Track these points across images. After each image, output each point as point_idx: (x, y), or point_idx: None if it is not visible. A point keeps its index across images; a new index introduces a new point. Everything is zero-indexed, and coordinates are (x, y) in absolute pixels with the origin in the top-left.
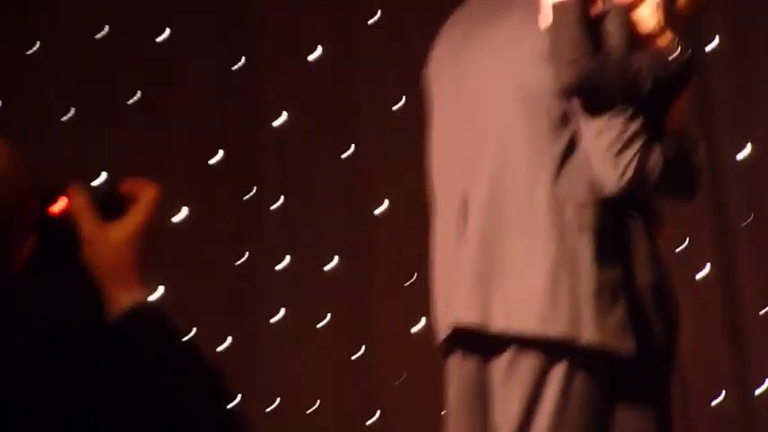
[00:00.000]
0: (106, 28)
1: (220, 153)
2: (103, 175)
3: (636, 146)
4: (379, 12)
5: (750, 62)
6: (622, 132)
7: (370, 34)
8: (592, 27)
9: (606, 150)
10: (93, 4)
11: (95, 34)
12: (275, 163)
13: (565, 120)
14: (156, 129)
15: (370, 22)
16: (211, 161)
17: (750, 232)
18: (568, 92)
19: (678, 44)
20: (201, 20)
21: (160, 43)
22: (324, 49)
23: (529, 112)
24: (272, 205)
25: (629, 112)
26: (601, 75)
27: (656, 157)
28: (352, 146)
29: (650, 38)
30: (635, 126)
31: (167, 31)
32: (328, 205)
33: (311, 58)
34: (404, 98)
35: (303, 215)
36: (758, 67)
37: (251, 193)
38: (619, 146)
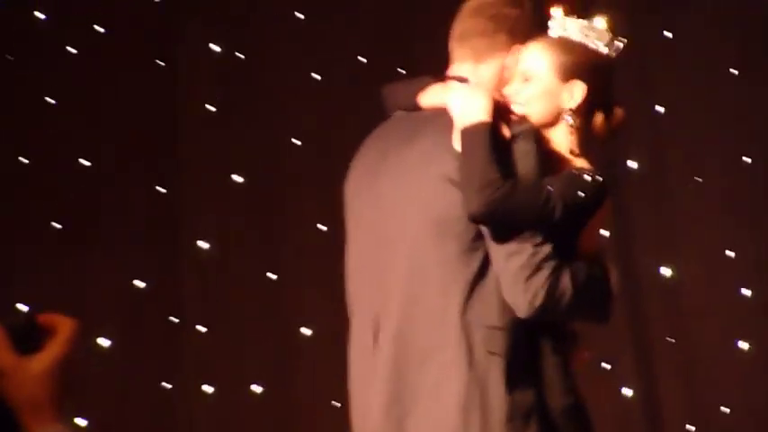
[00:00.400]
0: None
1: (143, 278)
2: (21, 307)
3: (546, 270)
4: (303, 135)
5: (667, 181)
6: (532, 256)
7: (294, 155)
8: (503, 150)
9: (516, 275)
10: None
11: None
12: (198, 288)
13: (476, 243)
14: (79, 255)
15: (295, 141)
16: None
17: (670, 349)
18: (477, 219)
19: (591, 170)
20: (126, 145)
21: (85, 168)
22: (246, 173)
23: (439, 236)
24: (194, 330)
25: (539, 236)
26: (510, 203)
27: (566, 282)
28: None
29: (563, 159)
30: (545, 250)
31: (89, 158)
32: (251, 329)
33: (235, 178)
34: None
35: (226, 340)
36: (675, 186)
37: (174, 319)
38: (528, 271)
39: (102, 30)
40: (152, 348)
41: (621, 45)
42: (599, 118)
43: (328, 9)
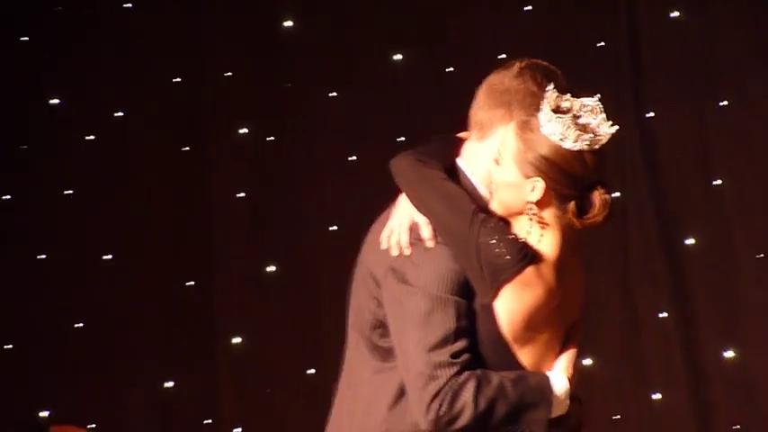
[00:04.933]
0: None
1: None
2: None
3: (440, 380)
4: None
5: (729, 258)
6: (432, 358)
7: (325, 246)
8: None
9: (413, 381)
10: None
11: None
12: (232, 387)
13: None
14: (112, 359)
15: (330, 229)
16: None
17: None
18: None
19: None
20: (154, 240)
21: (107, 261)
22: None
23: (369, 342)
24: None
25: (449, 329)
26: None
27: (466, 396)
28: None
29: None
30: (449, 350)
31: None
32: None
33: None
34: None
35: None
36: (738, 263)
37: (208, 421)
38: (423, 379)
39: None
40: None
41: (609, 133)
42: (571, 208)
43: (362, 86)
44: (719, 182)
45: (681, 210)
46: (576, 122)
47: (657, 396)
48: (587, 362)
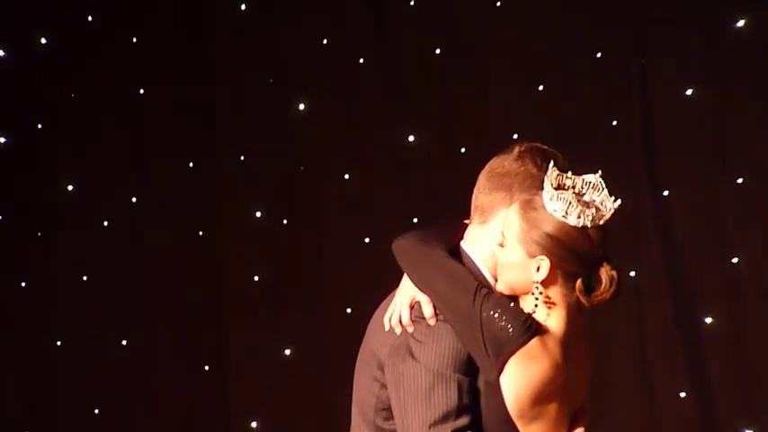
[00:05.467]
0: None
1: None
2: None
3: None
4: (351, 306)
5: (746, 337)
6: None
7: (341, 329)
8: None
9: None
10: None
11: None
12: None
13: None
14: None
15: (346, 311)
16: None
17: None
18: None
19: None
20: (170, 324)
21: (122, 347)
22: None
23: (372, 426)
24: None
25: (448, 408)
26: None
27: None
28: None
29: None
30: (449, 427)
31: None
32: None
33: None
34: None
35: None
36: (756, 343)
37: None
38: None
39: (135, 200)
40: None
41: (613, 209)
42: (578, 286)
43: (375, 167)
44: (736, 260)
45: (698, 288)
46: (579, 199)
47: None
48: None
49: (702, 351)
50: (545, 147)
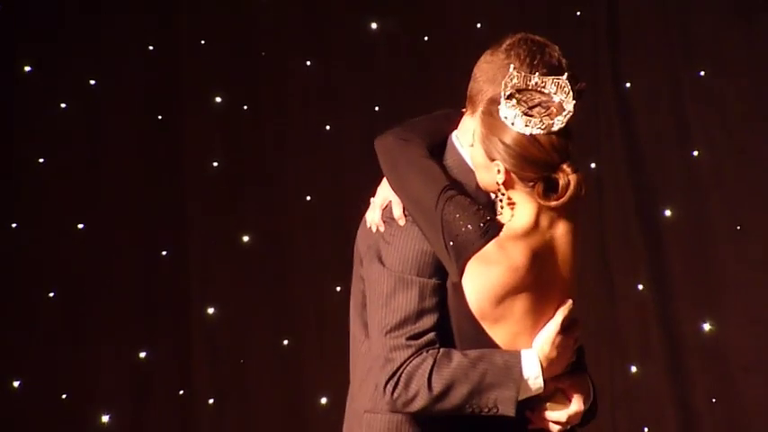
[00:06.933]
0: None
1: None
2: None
3: (395, 363)
4: (310, 195)
5: (707, 230)
6: (391, 338)
7: (299, 216)
8: None
9: (375, 360)
10: None
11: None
12: (205, 358)
13: None
14: (85, 329)
15: (306, 198)
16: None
17: (714, 409)
18: None
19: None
20: (128, 209)
21: (79, 231)
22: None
23: (361, 320)
24: (204, 403)
25: (416, 305)
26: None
27: (419, 381)
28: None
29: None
30: (410, 330)
31: None
32: (264, 400)
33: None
34: (339, 287)
35: (237, 412)
36: (716, 235)
37: (182, 391)
38: (381, 360)
39: (94, 82)
40: (160, 424)
41: (564, 118)
42: (537, 189)
43: (337, 55)
44: (696, 153)
45: (658, 181)
46: (531, 104)
47: (634, 369)
48: None
49: (661, 244)
50: (536, 38)
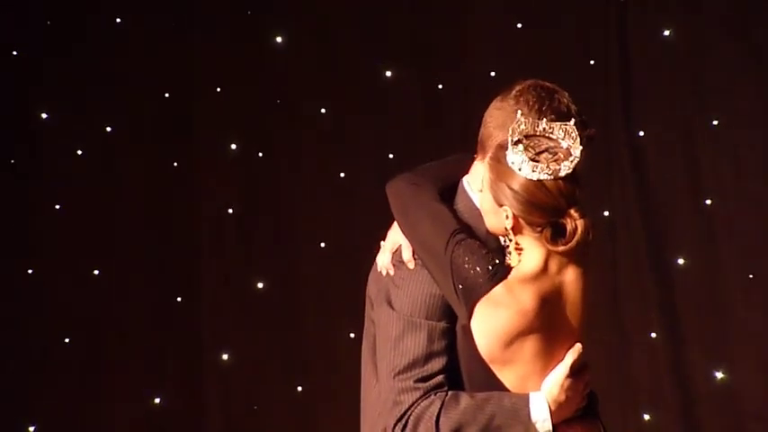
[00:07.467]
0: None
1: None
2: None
3: (403, 406)
4: (325, 241)
5: (719, 278)
6: (400, 381)
7: (313, 263)
8: None
9: (383, 402)
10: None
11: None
12: (219, 403)
13: None
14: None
15: (320, 245)
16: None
17: None
18: None
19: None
20: (142, 255)
21: (94, 276)
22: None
23: (372, 363)
24: None
25: (425, 349)
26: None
27: (428, 422)
28: (301, 384)
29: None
30: (417, 374)
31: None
32: None
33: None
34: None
35: None
36: (728, 283)
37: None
38: (390, 403)
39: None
40: None
41: (571, 163)
42: (545, 234)
43: (352, 102)
44: (709, 201)
45: (670, 229)
46: (538, 150)
47: (647, 416)
48: None
49: (674, 292)
50: (547, 85)
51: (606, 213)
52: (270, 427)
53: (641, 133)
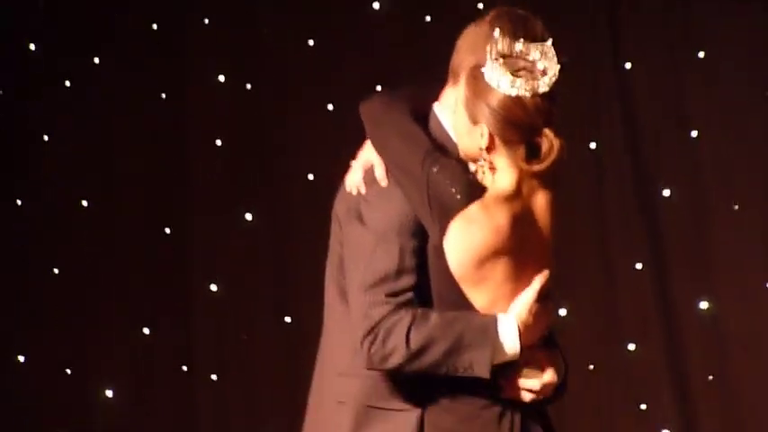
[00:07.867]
0: None
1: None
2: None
3: (372, 318)
4: (313, 173)
5: (704, 209)
6: (372, 295)
7: (302, 195)
8: None
9: (354, 317)
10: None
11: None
12: (208, 334)
13: None
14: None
15: (308, 177)
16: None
17: (710, 387)
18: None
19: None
20: (130, 187)
21: (82, 208)
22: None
23: (337, 285)
24: (206, 379)
25: (395, 264)
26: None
27: (397, 337)
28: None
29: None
30: (390, 288)
31: None
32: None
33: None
34: None
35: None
36: (713, 213)
37: (184, 368)
38: (360, 316)
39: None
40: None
41: (550, 79)
42: (519, 153)
43: (340, 34)
44: (696, 133)
45: (657, 161)
46: (516, 68)
47: (632, 346)
48: (562, 312)
49: (660, 223)
50: (519, 11)
51: (593, 145)
52: (258, 358)
53: (628, 65)
